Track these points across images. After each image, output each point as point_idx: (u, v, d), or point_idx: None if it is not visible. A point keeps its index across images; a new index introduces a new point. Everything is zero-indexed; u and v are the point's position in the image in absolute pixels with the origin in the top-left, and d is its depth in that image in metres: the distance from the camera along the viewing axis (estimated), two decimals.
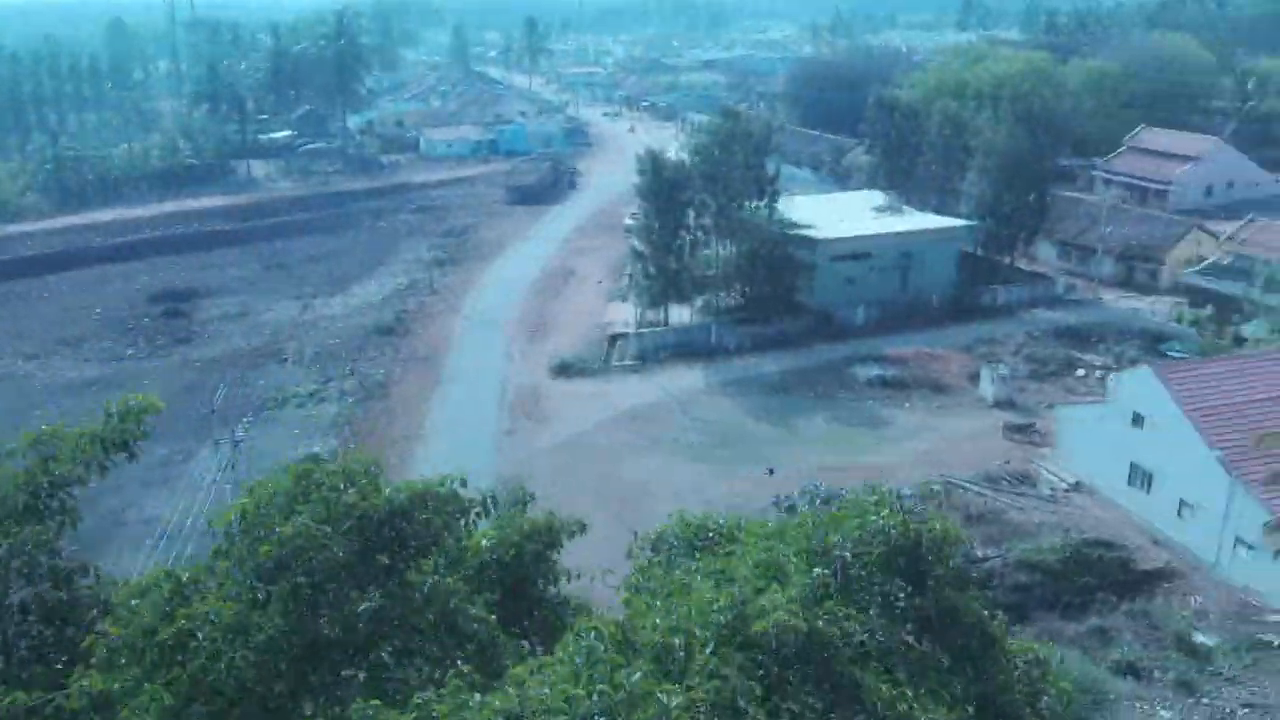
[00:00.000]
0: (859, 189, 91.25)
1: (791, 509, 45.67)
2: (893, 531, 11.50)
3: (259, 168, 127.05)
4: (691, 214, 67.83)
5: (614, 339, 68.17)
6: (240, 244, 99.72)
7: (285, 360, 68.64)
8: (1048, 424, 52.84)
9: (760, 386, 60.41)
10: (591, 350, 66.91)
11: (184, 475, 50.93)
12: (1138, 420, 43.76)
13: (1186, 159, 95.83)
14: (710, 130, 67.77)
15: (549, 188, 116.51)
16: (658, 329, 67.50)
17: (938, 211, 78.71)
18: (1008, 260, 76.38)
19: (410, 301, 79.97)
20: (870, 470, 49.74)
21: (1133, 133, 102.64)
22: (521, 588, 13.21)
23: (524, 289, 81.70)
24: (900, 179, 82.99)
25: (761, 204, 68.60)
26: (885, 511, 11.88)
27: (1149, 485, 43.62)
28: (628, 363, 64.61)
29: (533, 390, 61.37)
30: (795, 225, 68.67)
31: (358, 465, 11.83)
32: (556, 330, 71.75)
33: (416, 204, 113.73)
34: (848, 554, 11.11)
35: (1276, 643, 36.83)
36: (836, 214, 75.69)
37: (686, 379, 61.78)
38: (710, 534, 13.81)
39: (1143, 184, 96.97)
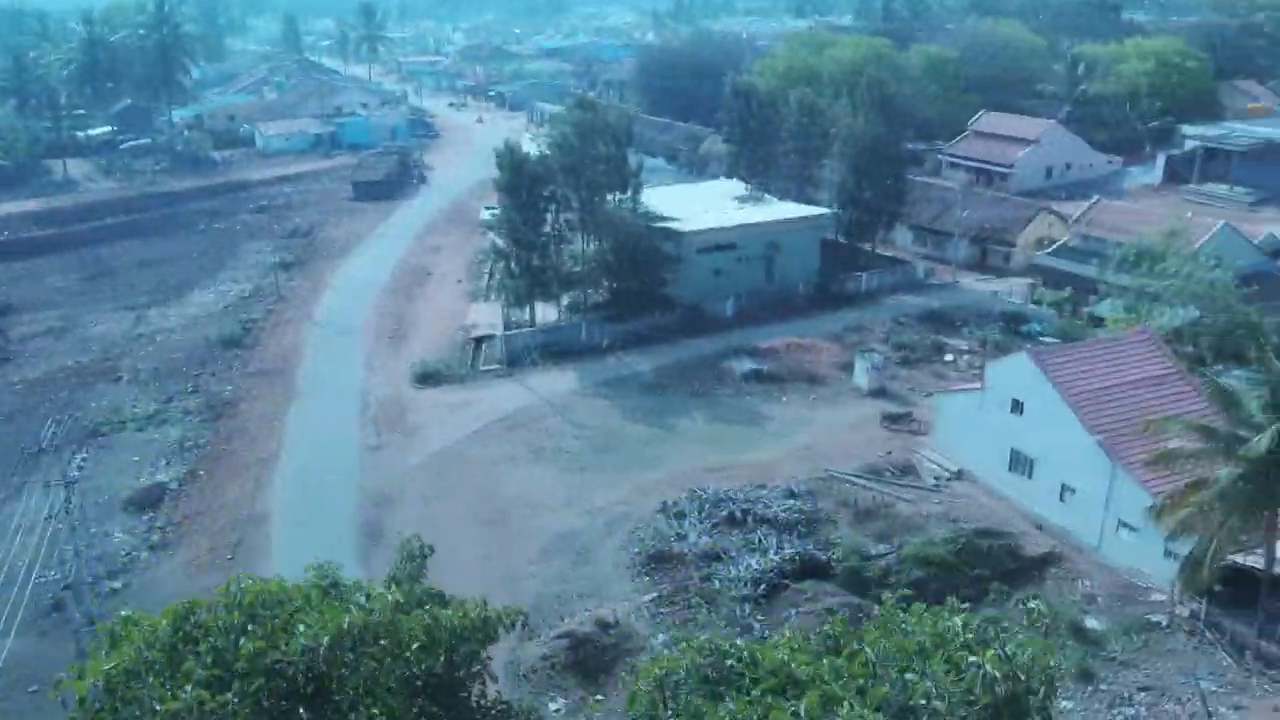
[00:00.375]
0: (717, 178, 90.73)
1: (681, 515, 44.27)
2: (999, 682, 9.52)
3: (77, 167, 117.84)
4: (554, 209, 65.55)
5: (479, 341, 65.37)
6: (59, 251, 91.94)
7: (120, 379, 63.19)
8: (924, 412, 53.02)
9: (636, 386, 58.75)
10: (456, 355, 63.93)
11: (8, 518, 45.77)
12: (1017, 407, 44.02)
13: (1026, 142, 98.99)
14: (569, 121, 65.49)
15: (397, 183, 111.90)
16: (525, 330, 65.01)
17: (798, 200, 78.66)
18: (869, 247, 76.93)
19: (256, 309, 74.97)
20: (754, 468, 48.83)
21: (974, 117, 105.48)
22: (455, 696, 10.91)
23: (378, 291, 77.74)
24: (759, 168, 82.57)
25: (625, 196, 66.89)
26: (988, 654, 9.87)
27: (1031, 471, 43.97)
28: (495, 367, 61.93)
29: (396, 401, 58.05)
30: (660, 218, 67.17)
31: (254, 595, 9.16)
32: (416, 334, 68.38)
33: (256, 203, 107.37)
34: (939, 705, 9.16)
35: (1164, 623, 37.48)
36: (699, 205, 74.69)
37: (559, 381, 59.56)
38: (730, 664, 11.60)
39: (987, 167, 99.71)
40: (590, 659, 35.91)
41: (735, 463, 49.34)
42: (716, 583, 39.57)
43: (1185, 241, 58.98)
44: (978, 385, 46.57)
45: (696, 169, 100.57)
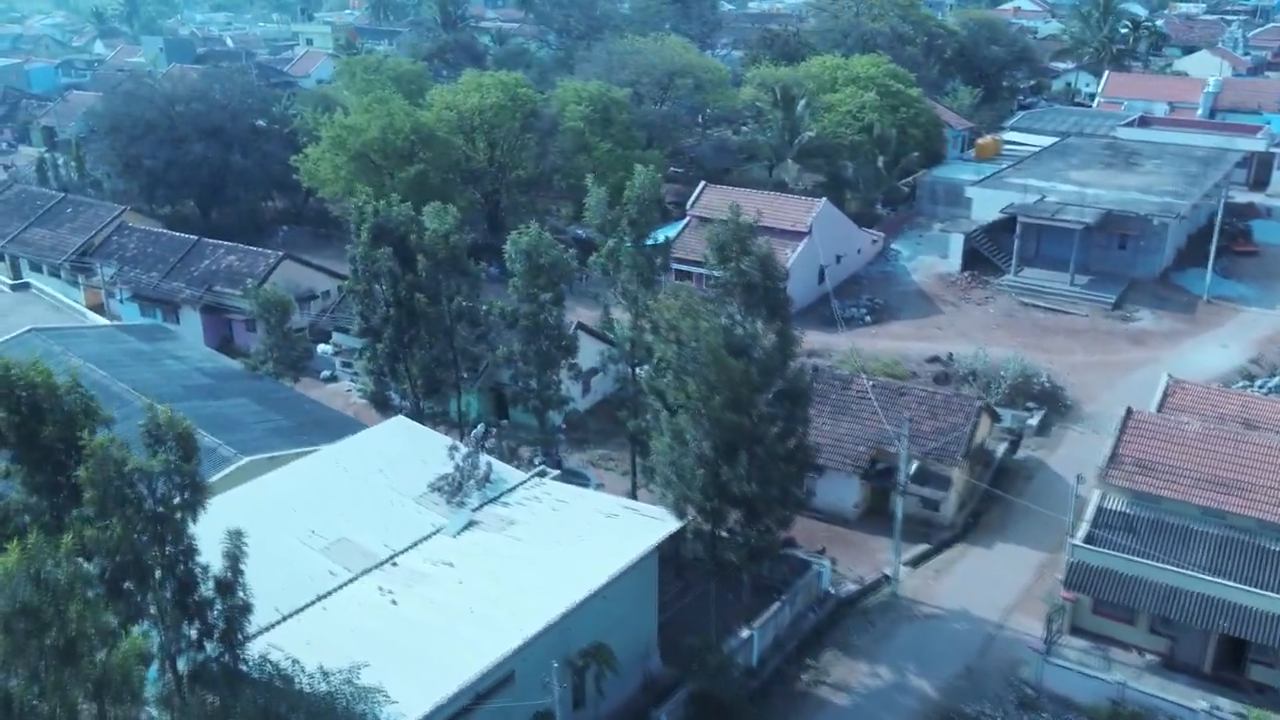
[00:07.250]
0: (350, 389, 46.57)
1: None
2: None
3: None
4: None
5: None
6: None
7: None
8: None
9: None
10: None
11: None
12: None
13: (790, 234, 64.86)
14: None
15: None
16: None
17: (559, 463, 37.65)
18: (744, 577, 37.46)
19: None
20: None
21: (693, 197, 69.55)
22: None
23: None
24: (448, 383, 40.27)
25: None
26: None
27: None
28: None
29: None
30: (312, 697, 22.68)
31: None
32: None
33: None
34: None
35: None
36: (355, 543, 30.90)
37: None
38: None
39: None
40: None
41: None
42: None
43: None
44: None
45: (291, 366, 51.26)
